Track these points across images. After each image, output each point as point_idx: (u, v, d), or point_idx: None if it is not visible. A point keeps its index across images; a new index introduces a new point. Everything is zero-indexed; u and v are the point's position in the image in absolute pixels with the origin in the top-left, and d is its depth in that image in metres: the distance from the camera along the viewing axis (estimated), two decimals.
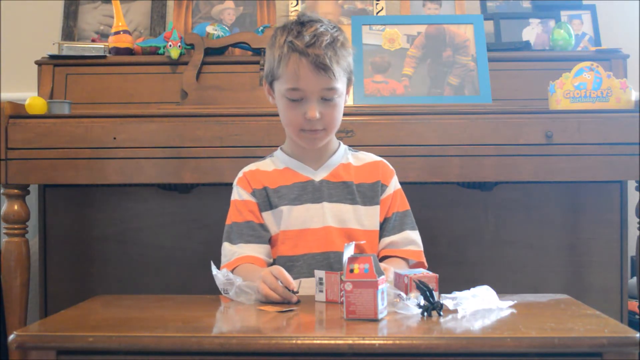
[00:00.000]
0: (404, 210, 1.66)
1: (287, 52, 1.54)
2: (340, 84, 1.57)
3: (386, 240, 1.62)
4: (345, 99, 1.63)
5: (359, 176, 1.65)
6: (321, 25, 1.56)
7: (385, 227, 1.64)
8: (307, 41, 1.52)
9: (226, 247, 1.61)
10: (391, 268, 1.43)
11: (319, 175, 1.64)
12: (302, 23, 1.57)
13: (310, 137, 1.59)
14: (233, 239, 1.61)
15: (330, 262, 1.58)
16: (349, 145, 1.76)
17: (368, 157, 1.71)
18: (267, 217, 1.61)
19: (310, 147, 1.61)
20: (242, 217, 1.61)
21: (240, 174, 1.68)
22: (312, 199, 1.61)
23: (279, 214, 1.60)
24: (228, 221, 1.64)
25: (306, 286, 1.56)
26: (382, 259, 1.62)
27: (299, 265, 1.58)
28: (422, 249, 1.65)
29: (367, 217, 1.62)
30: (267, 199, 1.62)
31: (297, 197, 1.61)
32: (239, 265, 1.57)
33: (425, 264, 1.63)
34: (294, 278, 1.58)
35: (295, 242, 1.60)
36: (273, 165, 1.67)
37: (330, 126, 1.59)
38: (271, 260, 1.61)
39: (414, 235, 1.65)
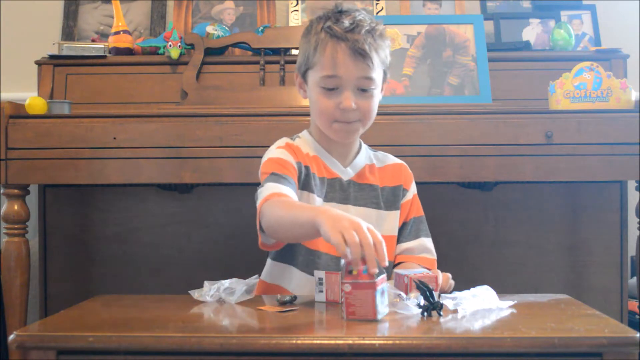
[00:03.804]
0: (419, 216, 1.63)
1: (324, 37, 1.48)
2: (377, 75, 1.51)
3: (402, 246, 1.59)
4: (380, 95, 1.57)
5: (382, 179, 1.61)
6: (360, 14, 1.52)
7: (403, 233, 1.61)
8: (346, 26, 1.47)
9: (268, 187, 1.44)
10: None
11: (347, 174, 1.58)
12: (340, 11, 1.52)
13: (344, 128, 1.52)
14: (271, 181, 1.46)
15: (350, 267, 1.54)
16: None
17: (388, 158, 1.66)
18: (300, 194, 1.51)
19: (342, 140, 1.55)
20: (285, 172, 1.48)
21: (281, 143, 1.56)
22: (339, 199, 1.55)
23: (307, 197, 1.52)
24: (266, 170, 1.49)
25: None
26: (397, 264, 1.59)
27: (320, 263, 1.52)
28: (435, 257, 1.61)
29: (388, 222, 1.58)
30: (305, 178, 1.53)
31: (324, 193, 1.55)
32: (274, 198, 1.41)
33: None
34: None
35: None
36: (306, 147, 1.57)
37: (366, 118, 1.53)
38: None
39: (429, 242, 1.61)
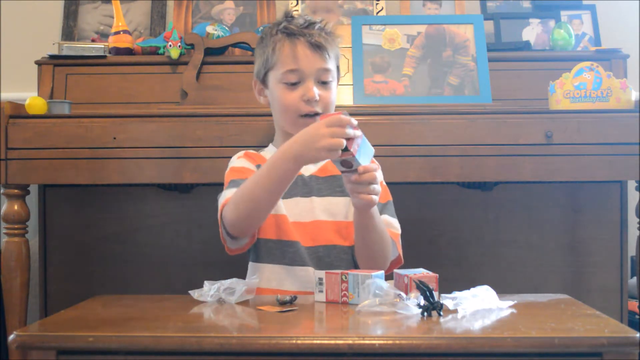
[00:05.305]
0: (384, 202, 1.64)
1: (281, 37, 1.60)
2: (333, 68, 1.62)
3: None
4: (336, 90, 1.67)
5: None
6: (308, 16, 1.66)
7: None
8: (300, 24, 1.61)
9: (226, 193, 1.56)
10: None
11: (308, 170, 1.65)
12: (291, 16, 1.64)
13: (309, 123, 1.55)
14: (230, 187, 1.57)
15: (319, 255, 1.59)
16: None
17: None
18: None
19: None
20: (243, 177, 1.57)
21: (241, 153, 1.68)
22: (302, 193, 1.62)
23: None
24: (226, 180, 1.61)
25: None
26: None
27: (292, 251, 1.59)
28: (399, 232, 1.63)
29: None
30: None
31: (287, 190, 1.59)
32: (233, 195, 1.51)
33: (400, 249, 1.62)
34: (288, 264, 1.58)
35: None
36: (269, 155, 1.65)
37: (327, 110, 1.61)
38: None
39: (392, 220, 1.63)
